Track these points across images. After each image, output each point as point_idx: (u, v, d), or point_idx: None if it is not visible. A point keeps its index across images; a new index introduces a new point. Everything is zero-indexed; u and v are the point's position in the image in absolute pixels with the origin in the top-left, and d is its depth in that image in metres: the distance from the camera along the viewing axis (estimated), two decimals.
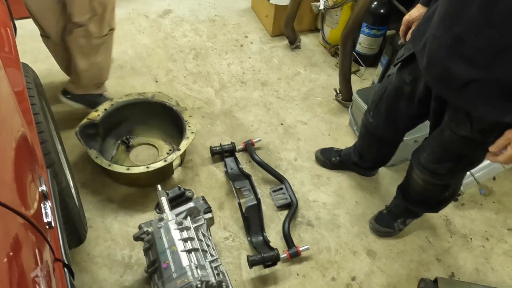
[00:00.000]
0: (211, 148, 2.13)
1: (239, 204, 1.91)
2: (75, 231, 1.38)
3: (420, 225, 1.95)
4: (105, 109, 2.03)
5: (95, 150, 1.89)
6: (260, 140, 2.20)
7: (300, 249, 1.75)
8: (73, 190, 1.61)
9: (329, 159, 2.14)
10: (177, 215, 1.58)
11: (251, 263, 1.66)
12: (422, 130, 2.04)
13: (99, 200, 1.93)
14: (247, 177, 2.02)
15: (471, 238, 1.92)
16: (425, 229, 1.94)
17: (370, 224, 1.91)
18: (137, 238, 1.60)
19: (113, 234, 1.82)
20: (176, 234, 1.50)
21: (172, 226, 1.52)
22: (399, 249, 1.86)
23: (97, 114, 2.00)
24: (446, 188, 1.61)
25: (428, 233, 1.93)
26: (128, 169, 1.84)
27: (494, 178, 2.16)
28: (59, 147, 1.63)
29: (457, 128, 1.29)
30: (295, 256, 1.75)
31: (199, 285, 1.35)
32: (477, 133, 1.24)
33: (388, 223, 1.87)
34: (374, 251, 1.84)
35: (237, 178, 2.04)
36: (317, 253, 1.82)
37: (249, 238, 1.84)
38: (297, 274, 1.75)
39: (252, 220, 1.88)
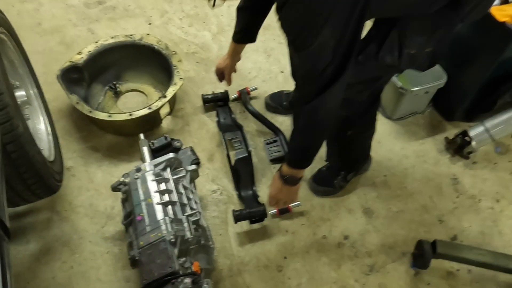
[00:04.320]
0: (203, 96, 1.99)
1: (228, 156, 1.79)
2: (40, 180, 1.30)
3: (425, 184, 1.80)
4: (89, 52, 1.89)
5: (76, 95, 1.77)
6: (256, 88, 2.04)
7: (291, 205, 1.65)
8: (47, 137, 1.52)
9: (281, 103, 1.98)
10: (155, 166, 1.48)
11: (236, 218, 1.57)
12: (432, 81, 1.85)
13: (83, 148, 1.85)
14: (239, 128, 1.89)
15: (480, 199, 1.77)
16: (429, 188, 1.79)
17: (308, 184, 1.75)
18: (114, 188, 1.52)
19: (96, 184, 1.74)
20: (152, 186, 1.40)
21: (149, 177, 1.42)
22: (399, 208, 1.72)
23: (80, 57, 1.87)
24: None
25: (433, 192, 1.78)
26: (110, 116, 1.73)
27: None
28: (31, 91, 1.53)
29: None
30: (285, 213, 1.65)
31: (172, 240, 1.27)
32: None
33: (327, 180, 1.72)
34: (371, 210, 1.72)
35: (229, 128, 1.91)
36: (309, 210, 1.71)
37: (237, 192, 1.74)
38: (286, 231, 1.65)
39: (242, 173, 1.77)
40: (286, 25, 1.03)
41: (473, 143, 1.81)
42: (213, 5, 1.09)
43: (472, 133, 1.83)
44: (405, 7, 1.07)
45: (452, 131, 1.95)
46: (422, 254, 1.53)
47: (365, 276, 1.55)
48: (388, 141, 1.94)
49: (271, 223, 1.66)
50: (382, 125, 1.98)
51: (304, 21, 0.97)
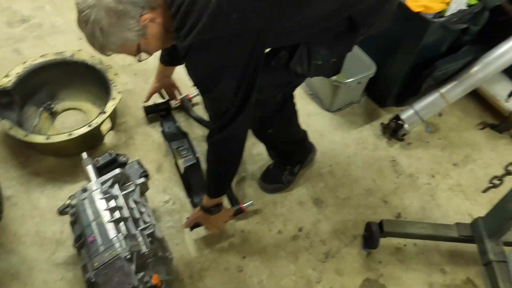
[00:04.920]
0: (144, 107, 1.97)
1: (176, 164, 1.79)
2: None
3: (367, 169, 1.91)
4: (18, 73, 1.81)
5: (8, 121, 1.69)
6: (198, 94, 2.05)
7: (244, 205, 1.68)
8: None
9: None
10: (102, 183, 1.45)
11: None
12: (363, 72, 1.96)
13: (23, 175, 1.77)
14: (185, 135, 1.89)
15: (417, 177, 1.90)
16: (371, 172, 1.90)
17: (258, 183, 1.80)
18: (61, 212, 1.47)
19: (41, 210, 1.67)
20: (101, 205, 1.37)
21: (97, 196, 1.39)
22: (346, 194, 1.82)
23: (8, 79, 1.78)
24: None
25: (375, 176, 1.89)
26: (48, 138, 1.66)
27: (440, 115, 2.12)
28: None
29: None
30: (239, 213, 1.68)
31: (128, 256, 1.25)
32: None
33: (275, 177, 1.77)
34: (321, 200, 1.79)
35: (175, 137, 1.90)
36: (262, 207, 1.75)
37: (190, 199, 1.74)
38: (242, 231, 1.68)
39: (192, 180, 1.77)
40: (188, 73, 1.11)
41: (406, 125, 1.95)
42: (139, 61, 1.16)
43: (403, 116, 1.96)
44: (306, 38, 1.17)
45: (386, 117, 2.08)
46: (371, 235, 1.62)
47: (322, 264, 1.62)
48: (329, 132, 2.03)
49: (227, 226, 1.68)
50: (323, 118, 2.07)
51: (203, 73, 1.07)
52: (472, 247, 1.61)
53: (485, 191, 1.15)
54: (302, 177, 1.84)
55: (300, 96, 2.12)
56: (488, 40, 1.91)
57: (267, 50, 1.21)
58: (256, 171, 1.84)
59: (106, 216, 1.34)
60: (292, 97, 1.52)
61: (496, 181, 1.15)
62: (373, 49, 1.96)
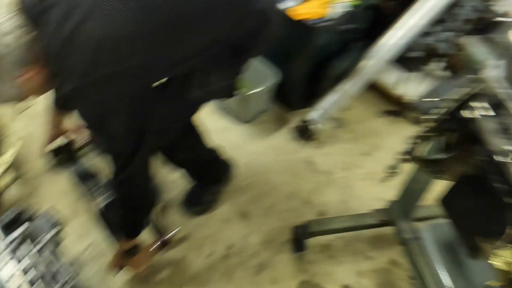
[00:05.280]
0: (48, 151, 1.85)
1: (92, 206, 1.70)
2: None
3: (286, 173, 1.97)
4: None
5: None
6: None
7: (171, 234, 1.64)
8: None
9: None
10: (10, 243, 1.33)
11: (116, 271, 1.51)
12: (269, 80, 2.01)
13: None
14: (97, 174, 1.80)
15: (333, 172, 2.00)
16: (291, 176, 1.96)
17: (181, 209, 1.77)
18: None
19: None
20: (10, 267, 1.26)
21: (6, 258, 1.28)
22: (269, 203, 1.85)
23: None
24: None
25: (294, 179, 1.95)
26: None
27: (345, 109, 2.25)
28: None
29: None
30: (165, 245, 1.64)
31: None
32: None
33: (196, 200, 1.77)
34: (246, 213, 1.81)
35: (87, 177, 1.80)
36: (190, 232, 1.73)
37: (114, 238, 1.66)
38: (173, 261, 1.65)
39: (113, 219, 1.69)
40: (78, 115, 1.09)
41: (315, 125, 2.04)
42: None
43: (312, 117, 2.05)
44: (196, 66, 1.18)
45: (297, 119, 2.16)
46: (299, 239, 1.67)
47: (257, 277, 1.64)
48: (245, 144, 2.06)
49: (157, 257, 1.63)
50: (237, 131, 2.10)
51: (90, 117, 1.06)
52: (391, 229, 1.72)
53: (383, 181, 1.23)
54: (224, 194, 1.85)
55: (212, 112, 2.13)
56: (376, 35, 2.07)
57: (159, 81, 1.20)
58: (177, 197, 1.81)
59: (18, 279, 1.24)
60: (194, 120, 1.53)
61: (392, 170, 1.25)
62: (275, 56, 2.03)
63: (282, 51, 1.97)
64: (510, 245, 0.83)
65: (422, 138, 1.06)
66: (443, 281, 1.52)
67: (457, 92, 0.94)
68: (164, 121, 1.20)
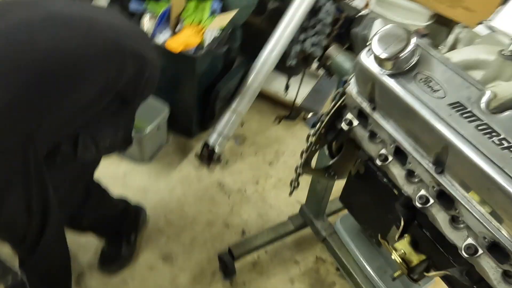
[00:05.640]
0: None
1: None
2: None
3: (200, 203, 1.96)
4: None
5: None
6: None
7: None
8: None
9: None
10: None
11: None
12: (158, 115, 1.98)
13: None
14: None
15: (245, 189, 2.04)
16: (205, 204, 1.96)
17: (99, 271, 1.66)
18: None
19: None
20: None
21: None
22: (190, 237, 1.83)
23: None
24: None
25: (209, 206, 1.95)
26: None
27: (242, 125, 2.31)
28: None
29: None
30: None
31: None
32: None
33: (114, 256, 1.67)
34: (169, 254, 1.76)
35: None
36: None
37: None
38: None
39: None
40: None
41: (216, 148, 2.06)
42: None
43: (211, 141, 2.07)
44: (85, 123, 1.11)
45: (198, 146, 2.16)
46: (226, 265, 1.68)
47: None
48: (152, 184, 2.01)
49: None
50: (140, 172, 2.03)
51: None
52: (309, 230, 1.81)
53: (290, 194, 1.29)
54: (142, 241, 1.78)
55: (109, 159, 2.03)
56: (253, 50, 2.15)
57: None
58: (92, 259, 1.70)
59: None
60: (93, 178, 1.44)
61: (294, 185, 1.32)
62: (162, 90, 1.99)
63: (168, 83, 1.96)
64: (405, 236, 0.92)
65: (311, 151, 1.13)
66: (363, 264, 1.65)
67: (331, 105, 1.02)
68: (62, 188, 1.12)
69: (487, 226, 0.70)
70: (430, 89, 0.72)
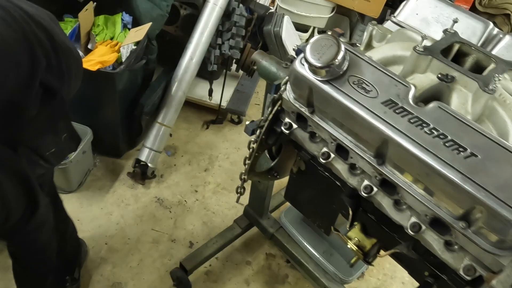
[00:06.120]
0: None
1: None
2: None
3: (141, 222, 1.89)
4: None
5: None
6: None
7: None
8: None
9: None
10: None
11: None
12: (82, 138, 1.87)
13: None
14: None
15: (185, 200, 2.02)
16: (147, 222, 1.90)
17: None
18: None
19: None
20: None
21: None
22: (138, 259, 1.76)
23: None
24: None
25: (152, 224, 1.90)
26: None
27: (171, 135, 2.26)
28: None
29: None
30: None
31: None
32: None
33: None
34: (118, 283, 1.68)
35: None
36: None
37: None
38: None
39: None
40: None
41: (149, 164, 2.00)
42: None
43: (142, 157, 2.01)
44: (19, 137, 1.03)
45: (128, 164, 2.08)
46: (180, 280, 1.66)
47: None
48: (85, 212, 1.89)
49: None
50: (70, 201, 1.90)
51: None
52: (255, 229, 1.85)
53: (237, 200, 1.31)
54: (86, 274, 1.68)
55: None
56: (172, 59, 2.12)
57: None
58: None
59: None
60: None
61: (241, 190, 1.34)
62: (83, 112, 1.88)
63: (88, 104, 1.86)
64: (355, 224, 0.99)
65: (254, 157, 1.16)
66: (311, 251, 1.74)
67: (269, 110, 1.05)
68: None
69: (427, 205, 0.79)
70: (363, 90, 0.78)
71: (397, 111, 0.75)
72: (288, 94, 0.94)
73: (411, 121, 0.73)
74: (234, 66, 2.36)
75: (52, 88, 1.06)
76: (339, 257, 1.76)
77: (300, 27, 2.93)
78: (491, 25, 1.02)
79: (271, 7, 2.91)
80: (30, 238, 1.20)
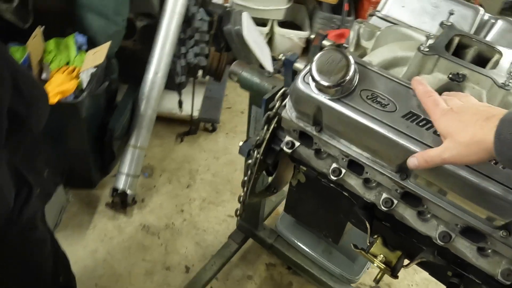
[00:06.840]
0: None
1: None
2: None
3: (129, 255, 1.77)
4: None
5: None
6: None
7: None
8: None
9: None
10: None
11: None
12: None
13: None
14: None
15: (172, 223, 1.91)
16: (136, 254, 1.78)
17: None
18: None
19: None
20: None
21: None
22: None
23: None
24: None
25: (142, 254, 1.78)
26: None
27: (144, 155, 2.13)
28: None
29: None
30: None
31: None
32: None
33: None
34: None
35: None
36: None
37: None
38: None
39: None
40: None
41: (128, 191, 1.87)
42: None
43: (119, 185, 1.87)
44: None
45: (105, 194, 1.94)
46: None
47: None
48: (68, 252, 1.74)
49: None
50: None
51: None
52: (251, 240, 1.79)
53: (237, 224, 1.23)
54: None
55: None
56: (135, 75, 1.98)
57: None
58: None
59: None
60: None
61: (241, 213, 1.26)
62: (48, 146, 1.72)
63: (53, 137, 1.70)
64: (375, 237, 0.94)
65: (254, 179, 1.08)
66: (311, 254, 1.69)
67: (264, 129, 0.97)
68: None
69: (460, 216, 0.74)
70: (379, 105, 0.72)
71: (420, 124, 0.69)
72: (289, 113, 0.87)
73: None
74: (200, 73, 2.25)
75: (20, 116, 0.96)
76: (339, 254, 1.72)
77: (259, 22, 2.85)
78: (482, 10, 0.98)
79: (226, 4, 2.80)
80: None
